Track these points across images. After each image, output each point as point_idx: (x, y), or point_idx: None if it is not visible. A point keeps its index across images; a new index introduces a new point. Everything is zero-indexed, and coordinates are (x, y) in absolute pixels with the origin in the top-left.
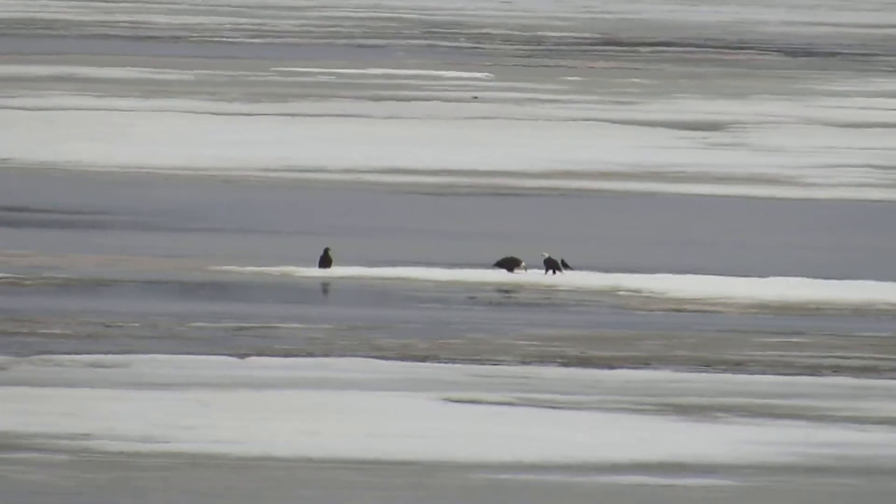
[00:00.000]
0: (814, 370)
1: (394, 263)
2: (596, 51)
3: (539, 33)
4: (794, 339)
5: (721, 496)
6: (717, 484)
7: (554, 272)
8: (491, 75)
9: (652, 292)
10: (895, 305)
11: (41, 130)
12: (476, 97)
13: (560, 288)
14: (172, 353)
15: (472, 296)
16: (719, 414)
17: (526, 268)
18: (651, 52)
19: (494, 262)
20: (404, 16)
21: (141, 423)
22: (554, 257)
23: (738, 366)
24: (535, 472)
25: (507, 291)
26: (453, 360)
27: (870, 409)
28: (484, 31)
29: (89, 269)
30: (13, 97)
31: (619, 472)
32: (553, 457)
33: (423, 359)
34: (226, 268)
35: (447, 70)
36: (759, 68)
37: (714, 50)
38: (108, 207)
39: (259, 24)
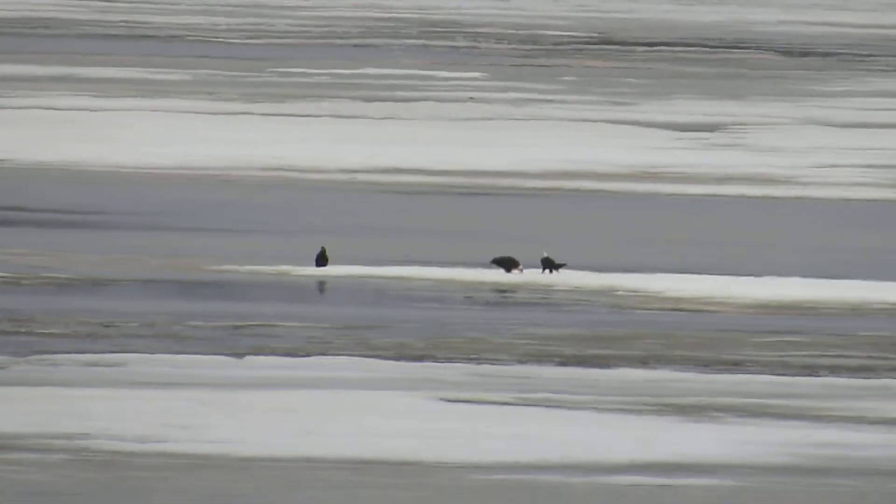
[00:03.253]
0: (811, 370)
1: (390, 263)
2: (592, 50)
3: (535, 32)
4: (792, 339)
5: (719, 496)
6: (715, 484)
7: (551, 271)
8: (487, 75)
9: (649, 292)
10: (892, 305)
11: (39, 130)
12: (472, 98)
13: (557, 287)
14: (170, 353)
15: (470, 295)
16: (717, 414)
17: (522, 269)
18: (647, 51)
19: (491, 261)
20: (401, 15)
21: (138, 422)
22: (551, 257)
23: (735, 365)
24: (533, 472)
25: (504, 291)
26: (450, 360)
27: (867, 409)
28: (480, 30)
29: (87, 269)
30: (10, 97)
31: (617, 471)
32: (551, 457)
33: (420, 358)
34: (223, 267)
35: (443, 70)
36: (756, 68)
37: (710, 50)
38: (105, 207)
39: (256, 24)
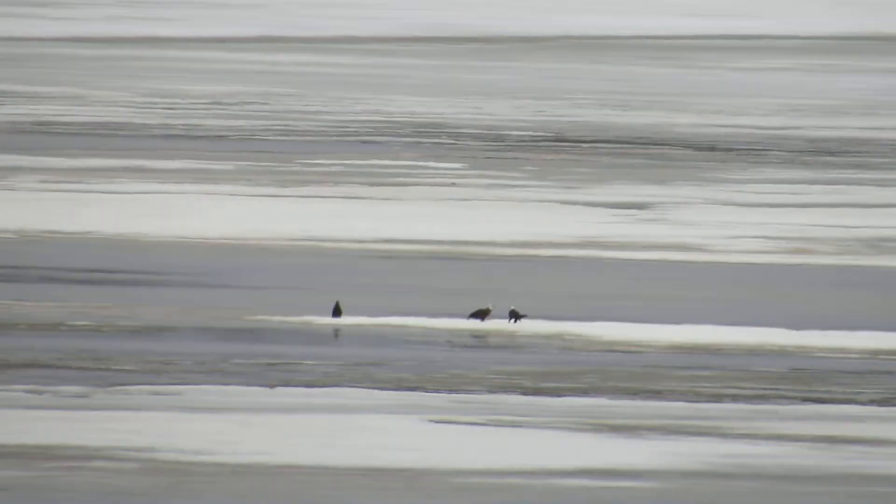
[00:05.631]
0: (717, 398)
1: (390, 314)
2: (547, 146)
3: (502, 132)
4: (702, 374)
5: (645, 495)
6: (642, 485)
7: (516, 320)
8: (466, 165)
9: (591, 337)
10: (781, 346)
11: (115, 209)
12: (454, 183)
13: (520, 334)
14: (217, 384)
15: (452, 340)
16: (643, 432)
17: (492, 308)
18: (591, 147)
19: (469, 314)
20: (398, 119)
21: (193, 439)
22: (516, 309)
23: (658, 394)
24: (501, 476)
25: (478, 336)
26: (437, 390)
27: (761, 428)
28: (460, 130)
29: (152, 319)
30: (92, 183)
31: (566, 476)
32: (515, 464)
33: (413, 388)
34: (259, 317)
35: (432, 161)
36: (675, 160)
37: (640, 146)
38: (167, 270)
39: (285, 126)
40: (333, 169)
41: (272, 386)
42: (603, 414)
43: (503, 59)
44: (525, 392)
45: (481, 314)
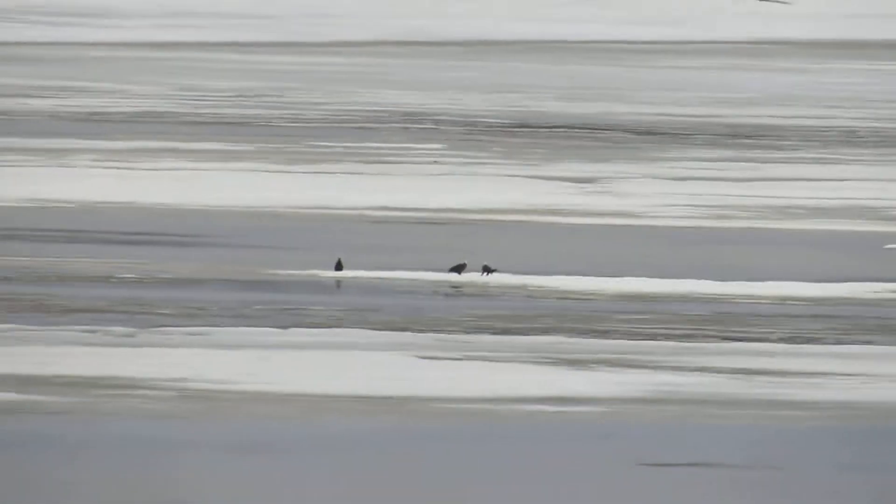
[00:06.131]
0: (652, 337)
1: (383, 268)
2: (512, 131)
3: (475, 119)
4: (640, 317)
5: (593, 417)
6: (590, 409)
7: (488, 274)
8: (445, 146)
9: (550, 287)
10: (705, 295)
11: (154, 183)
12: (436, 161)
13: (491, 285)
14: (239, 326)
15: (434, 290)
16: (592, 365)
17: (467, 263)
18: (548, 131)
19: (448, 268)
20: (387, 109)
21: (220, 371)
22: (488, 264)
23: (603, 334)
24: (475, 402)
25: (456, 287)
26: (422, 331)
27: (688, 362)
28: (440, 118)
29: (186, 273)
30: (135, 162)
31: (528, 402)
32: (486, 393)
33: (402, 330)
34: (273, 271)
35: (417, 144)
36: (617, 142)
37: (588, 130)
38: (197, 232)
39: (295, 114)
40: (334, 150)
41: (285, 327)
42: (559, 350)
43: (475, 59)
44: (495, 332)
45: (458, 268)
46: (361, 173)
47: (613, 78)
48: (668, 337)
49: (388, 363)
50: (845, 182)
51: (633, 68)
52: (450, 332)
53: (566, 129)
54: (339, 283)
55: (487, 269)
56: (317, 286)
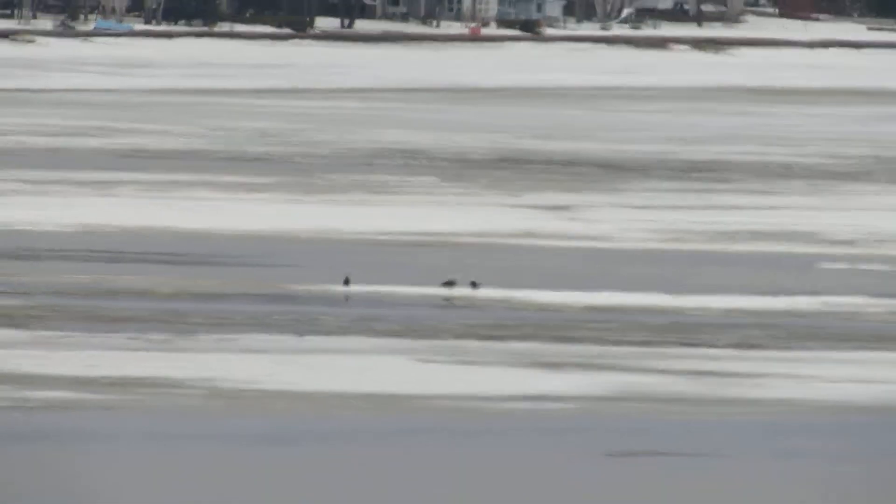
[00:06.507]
0: (617, 343)
1: (384, 284)
2: (497, 165)
3: (465, 155)
4: (607, 325)
5: (566, 413)
6: (564, 406)
7: (475, 288)
8: (438, 179)
9: (528, 300)
10: (662, 307)
11: (188, 210)
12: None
13: (477, 297)
14: (262, 333)
15: (428, 302)
16: (565, 367)
17: (457, 280)
18: (528, 166)
19: (441, 283)
20: (389, 146)
21: (244, 372)
22: (475, 280)
23: (575, 340)
24: (463, 399)
25: (447, 299)
26: (418, 338)
27: (649, 364)
28: (433, 154)
29: (216, 287)
30: (173, 192)
31: (509, 399)
32: (473, 391)
33: (401, 337)
34: (291, 286)
35: (413, 176)
36: (587, 175)
37: (562, 165)
38: (225, 253)
39: (309, 151)
40: (342, 182)
41: (300, 335)
42: (536, 354)
43: (464, 104)
44: (481, 339)
45: (449, 284)
46: (365, 202)
47: (583, 120)
48: (631, 343)
49: (389, 366)
50: (782, 210)
51: (599, 112)
52: (442, 338)
53: (543, 164)
54: (347, 297)
55: (474, 284)
56: (328, 299)
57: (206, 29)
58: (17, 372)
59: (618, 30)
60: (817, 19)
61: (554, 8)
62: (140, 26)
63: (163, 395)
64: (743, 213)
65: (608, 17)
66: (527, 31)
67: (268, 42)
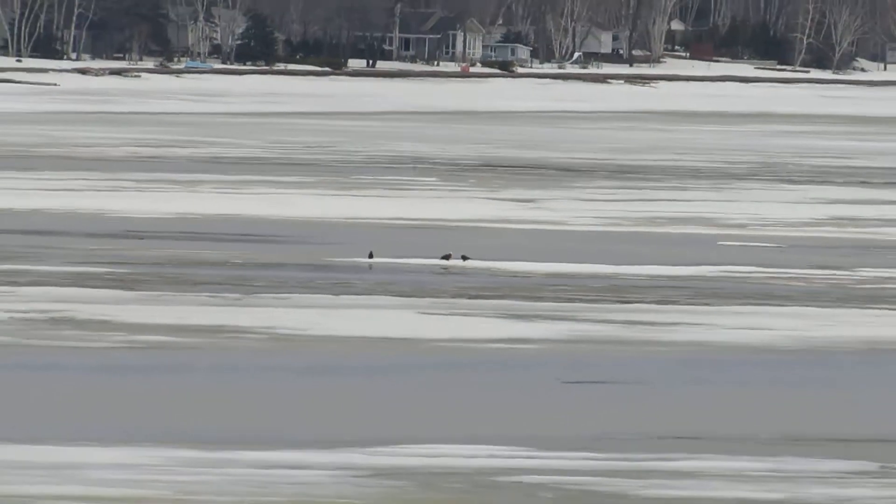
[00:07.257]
0: (570, 300)
1: (398, 256)
2: (481, 168)
3: (458, 161)
4: (563, 288)
5: (533, 353)
6: (531, 346)
7: (465, 260)
8: (438, 179)
9: (504, 269)
10: (604, 273)
11: (253, 203)
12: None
13: (467, 267)
14: (307, 293)
15: (430, 270)
16: (532, 318)
17: (451, 257)
18: (504, 169)
19: (440, 256)
20: (403, 154)
21: (297, 322)
22: (466, 254)
23: (540, 298)
24: (454, 342)
25: (444, 269)
26: (422, 297)
27: (594, 316)
28: (435, 160)
29: (273, 260)
30: (241, 189)
31: (489, 342)
32: (462, 336)
33: (410, 296)
34: (329, 258)
35: (420, 177)
36: (549, 177)
37: (531, 168)
38: (279, 234)
39: (345, 158)
40: (368, 181)
41: (336, 294)
42: (511, 309)
43: (458, 123)
44: (470, 297)
45: (446, 257)
46: (385, 196)
47: (545, 135)
48: (581, 300)
49: (402, 317)
50: (691, 202)
51: (557, 129)
52: (441, 297)
53: (517, 168)
54: (370, 266)
55: (465, 258)
56: (356, 268)
57: (266, 67)
58: (127, 322)
59: (570, 68)
60: (718, 61)
61: (524, 52)
62: (218, 65)
63: (235, 339)
64: (663, 204)
65: (563, 59)
66: (504, 69)
67: (313, 77)
